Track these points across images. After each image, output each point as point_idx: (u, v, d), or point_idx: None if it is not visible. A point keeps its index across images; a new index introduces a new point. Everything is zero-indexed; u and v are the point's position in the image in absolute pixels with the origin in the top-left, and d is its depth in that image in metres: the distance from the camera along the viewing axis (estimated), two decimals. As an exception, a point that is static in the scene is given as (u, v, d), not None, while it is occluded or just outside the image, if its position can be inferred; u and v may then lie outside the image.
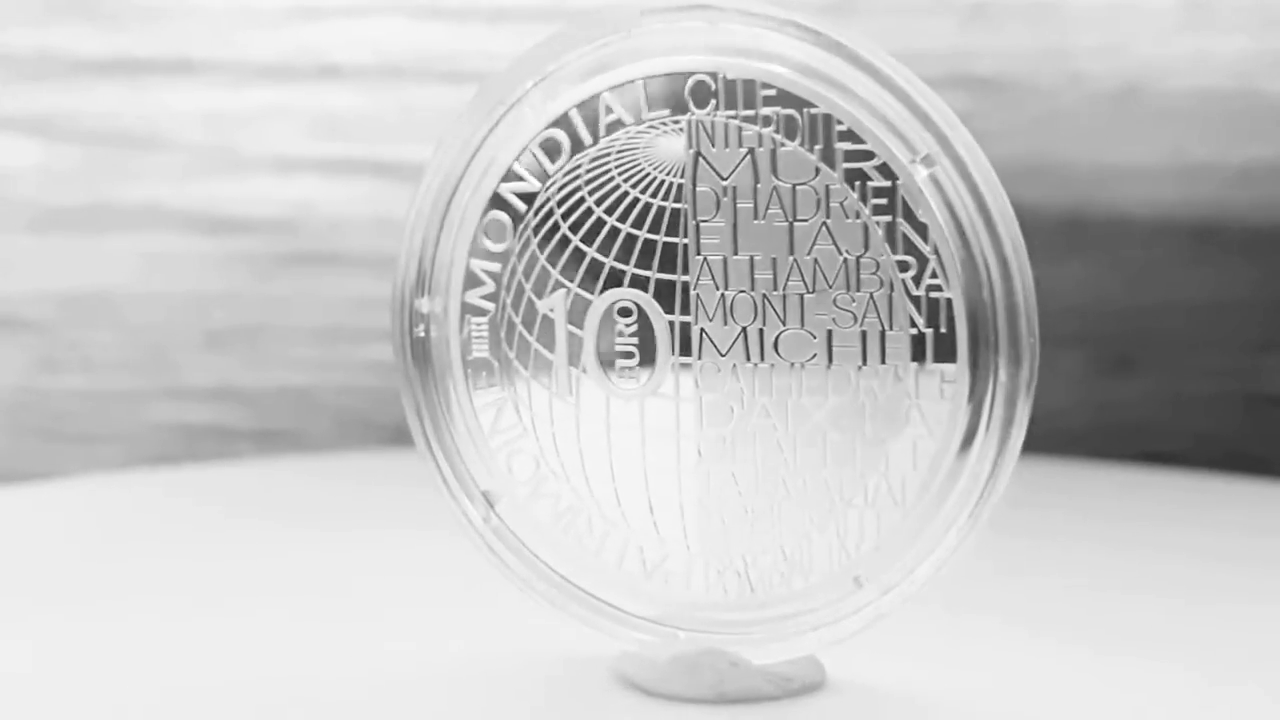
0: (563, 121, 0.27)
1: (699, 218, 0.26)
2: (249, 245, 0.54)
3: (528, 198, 0.27)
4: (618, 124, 0.26)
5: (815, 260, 0.26)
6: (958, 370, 0.25)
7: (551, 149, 0.27)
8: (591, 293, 0.27)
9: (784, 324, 0.26)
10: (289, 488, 0.46)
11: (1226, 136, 0.50)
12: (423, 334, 0.28)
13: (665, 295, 0.27)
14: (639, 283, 0.27)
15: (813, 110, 0.25)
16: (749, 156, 0.26)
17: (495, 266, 0.27)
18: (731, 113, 0.26)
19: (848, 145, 0.25)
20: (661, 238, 0.27)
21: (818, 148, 0.25)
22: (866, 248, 0.25)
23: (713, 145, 0.26)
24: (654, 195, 0.26)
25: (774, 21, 0.25)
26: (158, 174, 0.53)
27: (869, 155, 0.25)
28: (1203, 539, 0.39)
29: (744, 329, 0.26)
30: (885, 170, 0.25)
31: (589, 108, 0.27)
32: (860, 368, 0.26)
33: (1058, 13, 0.50)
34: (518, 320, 0.27)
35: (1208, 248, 0.50)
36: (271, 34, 0.53)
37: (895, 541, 0.26)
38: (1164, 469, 0.49)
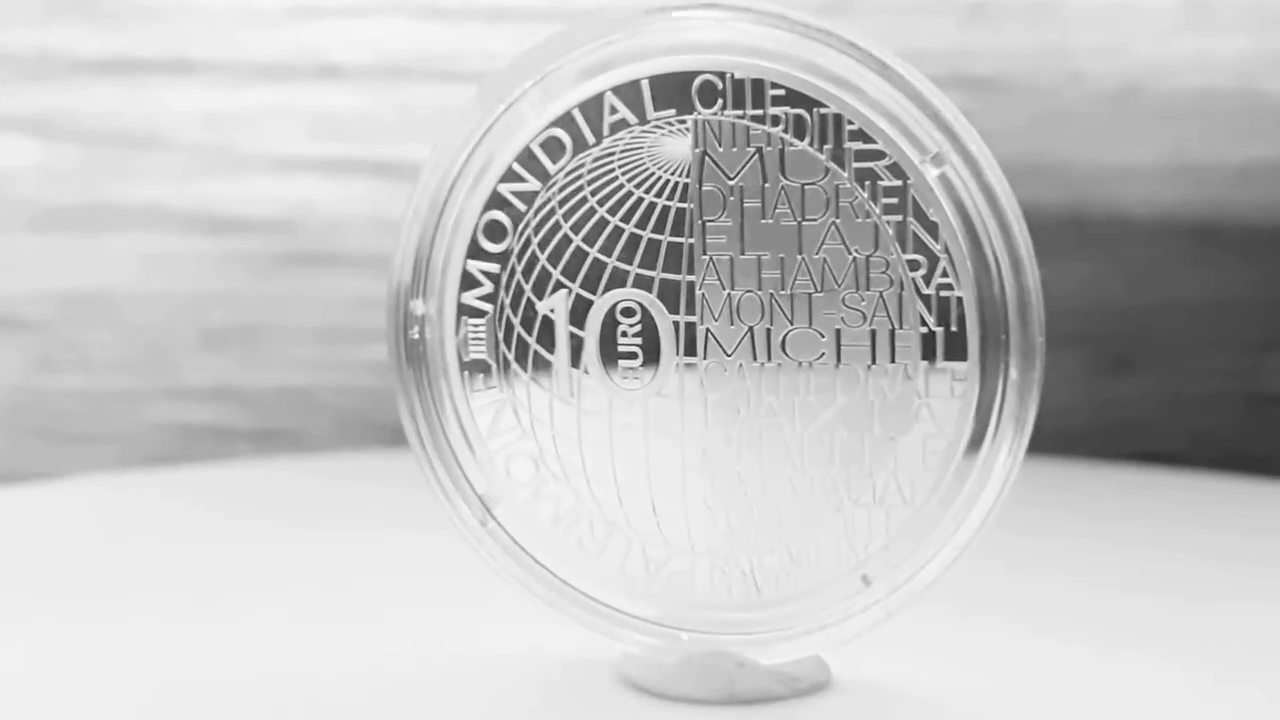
0: (565, 121, 0.27)
1: (705, 217, 0.26)
2: (248, 245, 0.53)
3: (528, 197, 0.27)
4: (622, 123, 0.26)
5: (824, 259, 0.26)
6: (968, 369, 0.25)
7: (553, 149, 0.27)
8: (594, 293, 0.27)
9: (792, 323, 0.26)
10: (288, 488, 0.46)
11: (1226, 136, 0.50)
12: (417, 336, 0.28)
13: (670, 295, 0.27)
14: (643, 283, 0.27)
15: (823, 110, 0.25)
16: (757, 156, 0.26)
17: (494, 267, 0.27)
18: (739, 112, 0.26)
19: (858, 145, 0.25)
20: (666, 238, 0.27)
21: (827, 147, 0.25)
22: (876, 247, 0.25)
23: (719, 145, 0.26)
24: (659, 195, 0.26)
25: (784, 21, 0.25)
26: (157, 174, 0.53)
27: (879, 155, 0.25)
28: (1202, 538, 0.39)
29: (750, 328, 0.26)
30: (896, 170, 0.25)
31: (592, 107, 0.27)
32: (869, 366, 0.26)
33: (1057, 12, 0.50)
34: (516, 321, 0.27)
35: (1208, 247, 0.50)
36: (271, 34, 0.53)
37: (904, 540, 0.26)
38: (1163, 469, 0.49)
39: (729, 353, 0.27)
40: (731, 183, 0.26)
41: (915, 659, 0.29)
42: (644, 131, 0.26)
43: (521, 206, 0.27)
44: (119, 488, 0.47)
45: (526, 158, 0.27)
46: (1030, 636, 0.31)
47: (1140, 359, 0.51)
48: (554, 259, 0.27)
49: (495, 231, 0.27)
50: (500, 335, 0.27)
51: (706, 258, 0.26)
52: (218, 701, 0.27)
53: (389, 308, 0.28)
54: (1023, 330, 0.25)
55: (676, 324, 0.27)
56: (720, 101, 0.26)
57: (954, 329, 0.25)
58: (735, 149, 0.26)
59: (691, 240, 0.26)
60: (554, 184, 0.27)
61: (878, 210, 0.25)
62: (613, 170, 0.27)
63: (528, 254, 0.27)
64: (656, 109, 0.26)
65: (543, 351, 0.27)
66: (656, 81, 0.26)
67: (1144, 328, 0.51)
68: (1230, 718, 0.27)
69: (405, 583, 0.34)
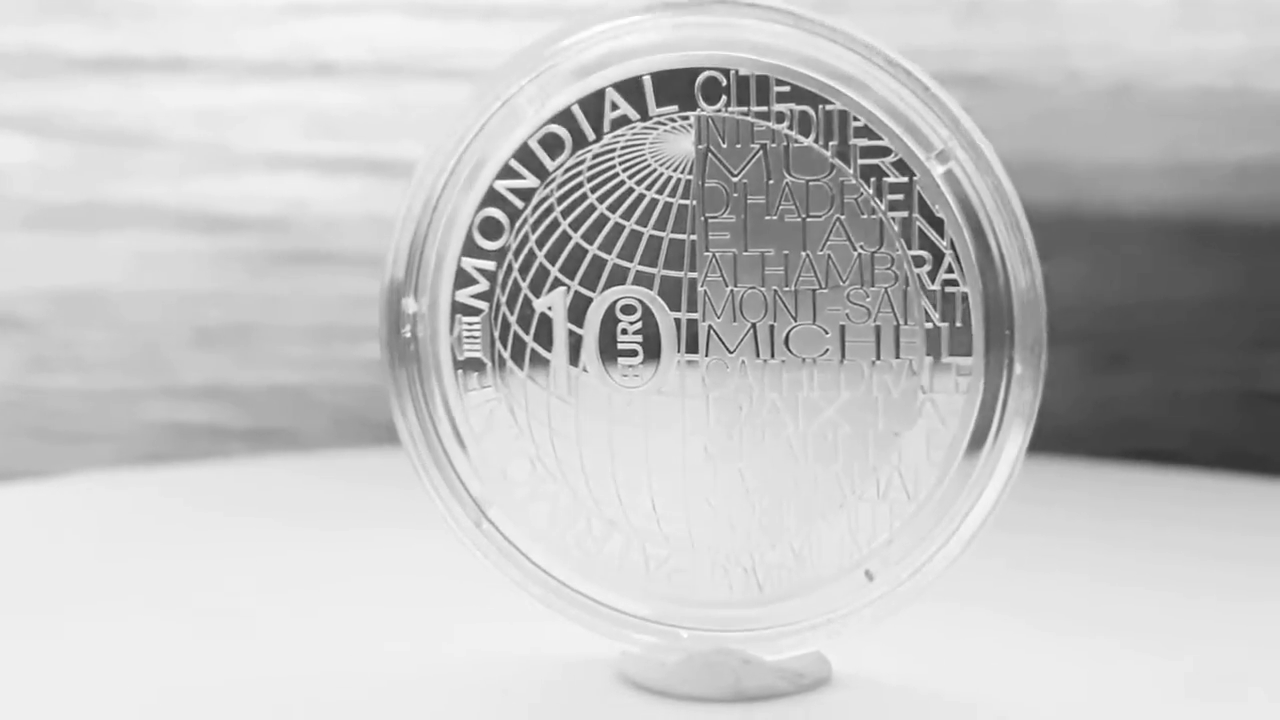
0: (564, 117, 0.27)
1: (708, 214, 0.26)
2: (243, 243, 0.53)
3: (525, 194, 0.27)
4: (623, 120, 0.26)
5: (829, 255, 0.26)
6: (973, 363, 0.25)
7: (552, 145, 0.27)
8: (593, 290, 0.27)
9: (795, 319, 0.26)
10: (283, 487, 0.46)
11: (1223, 134, 0.50)
12: (409, 334, 0.28)
13: (671, 292, 0.27)
14: (644, 280, 0.27)
15: (828, 106, 0.25)
16: (761, 153, 0.26)
17: (489, 265, 0.27)
18: (744, 109, 0.26)
19: (864, 141, 0.25)
20: (668, 234, 0.26)
21: (833, 144, 0.25)
22: (882, 243, 0.25)
23: (723, 141, 0.26)
24: (660, 191, 0.26)
25: (790, 17, 0.25)
26: (151, 172, 0.53)
27: (885, 151, 0.25)
28: (1199, 537, 0.39)
29: (754, 325, 0.26)
30: (901, 166, 0.25)
31: (592, 103, 0.26)
32: (874, 362, 0.26)
33: (1053, 10, 0.50)
34: (513, 319, 0.27)
35: (1204, 245, 0.50)
36: (265, 31, 0.53)
37: (908, 534, 0.26)
38: (1160, 467, 0.49)
39: (731, 350, 0.26)
40: (735, 179, 0.26)
41: (916, 655, 0.29)
42: (645, 128, 0.26)
43: (519, 203, 0.27)
44: (113, 487, 0.47)
45: (525, 154, 0.27)
46: (1028, 633, 0.31)
47: (1137, 357, 0.51)
48: (552, 256, 0.27)
49: (491, 228, 0.27)
50: (496, 333, 0.27)
51: (710, 254, 0.26)
52: (214, 701, 0.27)
53: (381, 306, 0.28)
54: (1026, 325, 0.25)
55: (678, 321, 0.27)
56: (724, 98, 0.26)
57: (959, 324, 0.25)
58: (739, 145, 0.26)
59: (694, 237, 0.26)
60: (553, 180, 0.27)
61: (883, 206, 0.25)
62: (614, 167, 0.27)
63: (525, 251, 0.27)
64: (659, 105, 0.26)
65: (540, 350, 0.27)
66: (659, 78, 0.26)
67: (1141, 326, 0.51)
68: (1229, 715, 0.27)
69: (403, 582, 0.34)
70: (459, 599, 0.32)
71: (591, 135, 0.27)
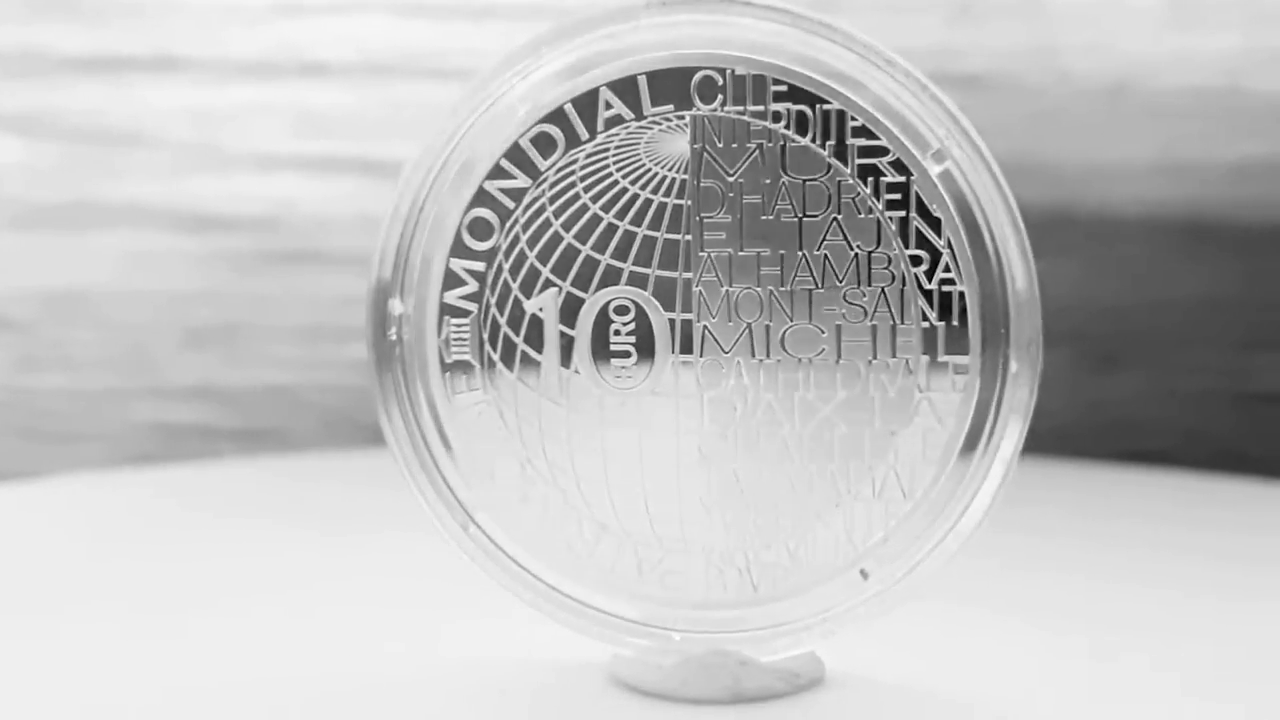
0: (556, 117, 0.27)
1: (703, 213, 0.26)
2: (232, 243, 0.53)
3: (516, 194, 0.27)
4: (617, 119, 0.26)
5: (825, 255, 0.26)
6: (970, 362, 0.25)
7: (544, 145, 0.27)
8: (585, 291, 0.27)
9: (791, 319, 0.26)
10: (272, 487, 0.46)
11: (1215, 134, 0.50)
12: (394, 336, 0.27)
13: (665, 293, 0.26)
14: (637, 280, 0.27)
15: (825, 106, 0.25)
16: (757, 152, 0.26)
17: (479, 265, 0.27)
18: (740, 108, 0.26)
19: (861, 141, 0.25)
20: (662, 234, 0.26)
21: (830, 143, 0.25)
22: (878, 243, 0.25)
23: (719, 141, 0.26)
24: (654, 191, 0.26)
25: (787, 16, 0.25)
26: (141, 172, 0.53)
27: (882, 151, 0.25)
28: (1192, 537, 0.39)
29: (749, 325, 0.26)
30: (899, 165, 0.25)
31: (586, 102, 0.26)
32: (870, 362, 0.26)
33: (1045, 10, 0.50)
34: (503, 320, 0.27)
35: (1197, 245, 0.50)
36: (254, 31, 0.53)
37: (903, 533, 0.26)
38: (1152, 467, 0.49)
39: (726, 350, 0.26)
40: (731, 179, 0.26)
41: (909, 654, 0.29)
42: (640, 127, 0.26)
43: (509, 203, 0.27)
44: (102, 487, 0.47)
45: (516, 154, 0.27)
46: (1023, 632, 0.31)
47: (1130, 357, 0.51)
48: (543, 256, 0.27)
49: (481, 229, 0.27)
50: (485, 335, 0.27)
51: (705, 255, 0.26)
52: (207, 702, 0.27)
53: (368, 307, 0.27)
54: (1021, 324, 0.25)
55: (672, 321, 0.27)
56: (720, 98, 0.26)
57: (955, 323, 0.25)
58: (735, 145, 0.26)
59: (688, 237, 0.26)
60: (544, 180, 0.27)
61: (880, 206, 0.25)
62: (607, 166, 0.26)
63: (515, 251, 0.27)
64: (654, 104, 0.26)
65: (531, 352, 0.27)
66: (654, 77, 0.26)
67: (1134, 326, 0.51)
68: (1223, 715, 0.27)
69: (394, 583, 0.34)
70: (451, 600, 0.32)
71: (585, 134, 0.26)
